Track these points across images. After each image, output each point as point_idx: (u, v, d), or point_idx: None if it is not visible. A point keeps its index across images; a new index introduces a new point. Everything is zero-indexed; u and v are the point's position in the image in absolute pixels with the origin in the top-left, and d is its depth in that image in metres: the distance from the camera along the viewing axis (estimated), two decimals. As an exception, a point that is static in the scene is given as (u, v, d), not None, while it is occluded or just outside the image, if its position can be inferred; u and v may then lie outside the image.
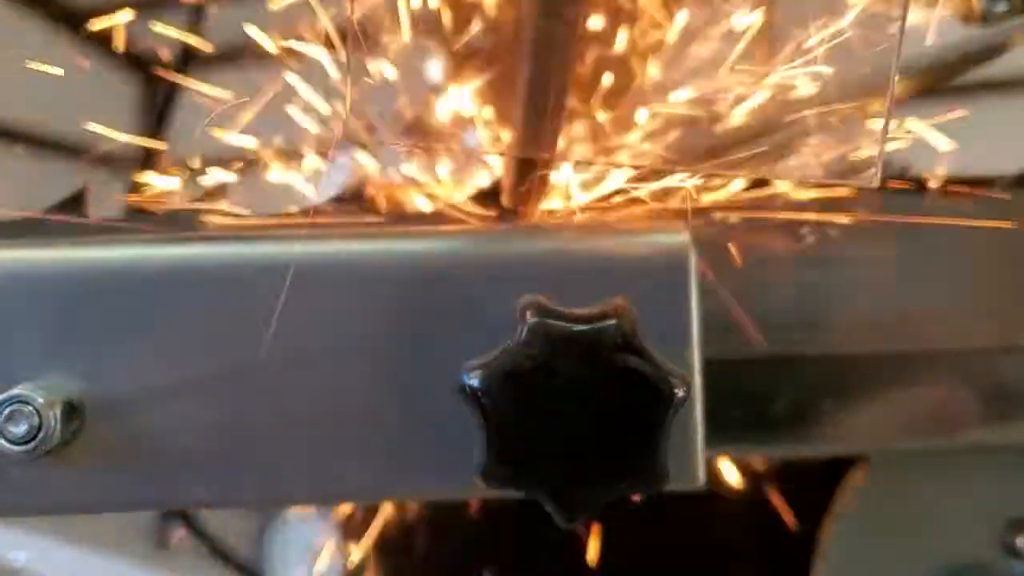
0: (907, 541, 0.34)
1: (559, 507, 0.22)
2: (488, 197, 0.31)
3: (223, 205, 0.27)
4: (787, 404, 0.28)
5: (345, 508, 0.42)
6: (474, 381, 0.22)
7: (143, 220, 0.27)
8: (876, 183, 0.27)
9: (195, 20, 0.57)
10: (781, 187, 0.30)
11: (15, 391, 0.22)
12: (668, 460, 0.23)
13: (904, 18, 0.24)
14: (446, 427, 0.24)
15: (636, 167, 0.30)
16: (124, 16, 0.49)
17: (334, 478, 0.23)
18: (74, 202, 0.27)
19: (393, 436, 0.24)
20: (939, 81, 0.29)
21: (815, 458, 0.29)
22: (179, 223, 0.27)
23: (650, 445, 0.22)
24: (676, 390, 0.22)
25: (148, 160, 0.57)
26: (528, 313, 0.23)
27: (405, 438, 0.24)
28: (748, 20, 0.28)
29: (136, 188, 0.56)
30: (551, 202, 0.31)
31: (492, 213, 0.30)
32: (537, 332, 0.22)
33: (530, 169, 0.30)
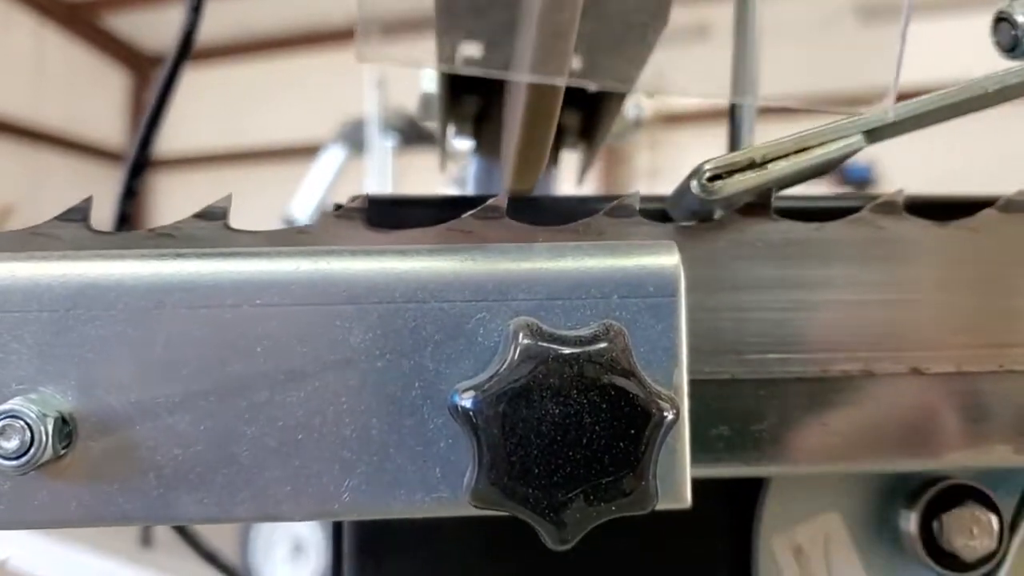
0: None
1: (549, 529, 0.22)
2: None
3: (219, 218, 0.27)
4: (772, 424, 0.29)
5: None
6: (466, 402, 0.22)
7: (137, 232, 0.27)
8: (890, 115, 0.27)
9: (192, 15, 0.56)
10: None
11: (7, 405, 0.22)
12: (657, 481, 0.23)
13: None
14: (437, 447, 0.24)
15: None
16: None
17: (325, 496, 0.24)
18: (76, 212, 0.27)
19: (384, 455, 0.24)
20: (972, 110, 0.29)
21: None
22: (174, 236, 0.27)
23: (639, 467, 0.22)
24: (666, 413, 0.23)
25: (143, 159, 0.57)
26: (520, 335, 0.23)
27: (396, 457, 0.24)
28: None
29: (130, 190, 0.56)
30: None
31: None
32: (528, 354, 0.23)
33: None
